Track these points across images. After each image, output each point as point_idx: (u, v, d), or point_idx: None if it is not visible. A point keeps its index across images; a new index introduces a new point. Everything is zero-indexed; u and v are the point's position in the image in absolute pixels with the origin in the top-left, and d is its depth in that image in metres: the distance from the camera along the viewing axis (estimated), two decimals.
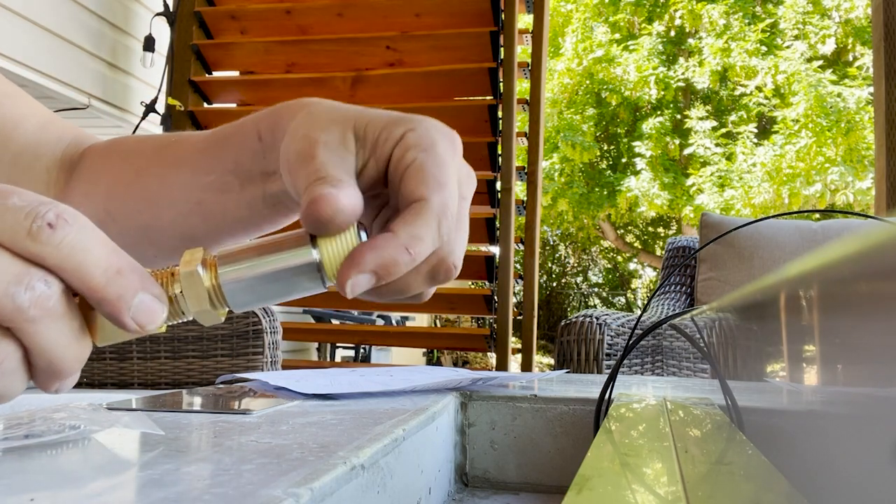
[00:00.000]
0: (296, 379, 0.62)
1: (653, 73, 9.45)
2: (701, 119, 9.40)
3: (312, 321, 4.42)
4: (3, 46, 2.27)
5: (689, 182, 9.19)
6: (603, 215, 10.20)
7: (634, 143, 9.61)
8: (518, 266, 2.73)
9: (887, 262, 0.17)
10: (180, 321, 0.31)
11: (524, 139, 2.68)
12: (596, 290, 13.58)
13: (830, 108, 8.33)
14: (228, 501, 0.24)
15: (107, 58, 2.76)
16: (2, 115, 0.51)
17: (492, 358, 2.51)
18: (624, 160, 10.04)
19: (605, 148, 10.53)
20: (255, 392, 0.58)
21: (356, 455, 0.32)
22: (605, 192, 9.78)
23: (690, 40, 9.80)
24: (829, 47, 9.06)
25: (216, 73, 2.77)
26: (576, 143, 9.47)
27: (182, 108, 2.61)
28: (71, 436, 0.35)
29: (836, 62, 9.15)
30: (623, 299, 13.16)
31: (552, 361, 5.11)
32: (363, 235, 0.33)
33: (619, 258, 13.04)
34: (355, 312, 4.80)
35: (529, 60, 2.71)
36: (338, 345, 4.99)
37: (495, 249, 2.50)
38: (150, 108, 2.65)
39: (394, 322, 5.81)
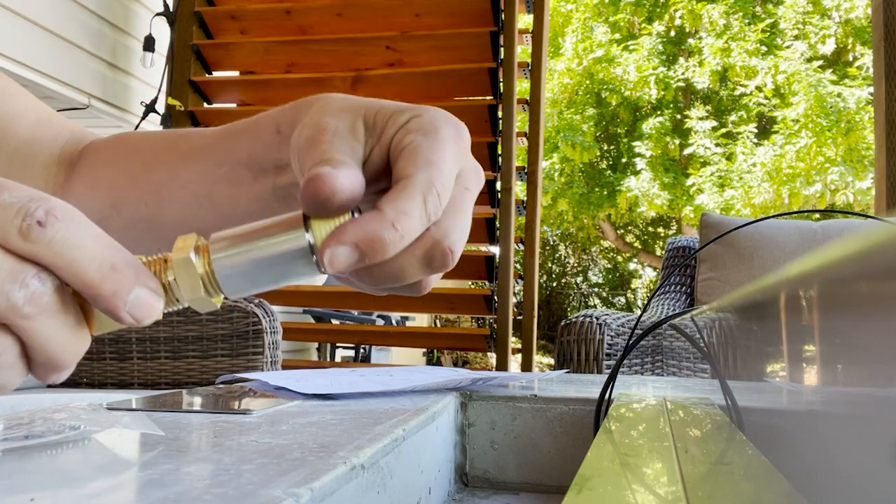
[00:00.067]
0: (296, 379, 0.62)
1: (653, 73, 9.45)
2: (701, 119, 9.40)
3: (312, 321, 4.42)
4: (3, 46, 2.27)
5: (689, 182, 9.19)
6: (603, 215, 10.20)
7: (634, 143, 9.61)
8: (518, 266, 2.73)
9: (887, 262, 0.17)
10: (176, 308, 0.31)
11: (524, 139, 2.68)
12: (596, 290, 13.58)
13: (830, 108, 8.33)
14: (228, 501, 0.24)
15: (107, 58, 2.76)
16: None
17: (492, 358, 2.51)
18: (624, 160, 10.04)
19: (605, 148, 10.53)
20: (255, 392, 0.58)
21: (356, 455, 0.32)
22: (605, 192, 9.78)
23: (690, 40, 9.80)
24: (829, 47, 9.06)
25: (216, 73, 2.77)
26: (576, 143, 9.46)
27: (182, 108, 2.61)
28: (71, 436, 0.35)
29: (836, 62, 9.15)
30: (623, 299, 13.16)
31: (552, 361, 5.11)
32: None
33: (619, 258, 13.04)
34: (355, 312, 4.80)
35: (529, 60, 2.71)
36: (338, 345, 4.99)
37: (495, 249, 2.50)
38: (150, 108, 2.65)
39: (394, 322, 5.81)
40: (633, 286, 13.27)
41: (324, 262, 0.30)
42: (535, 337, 2.67)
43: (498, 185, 2.45)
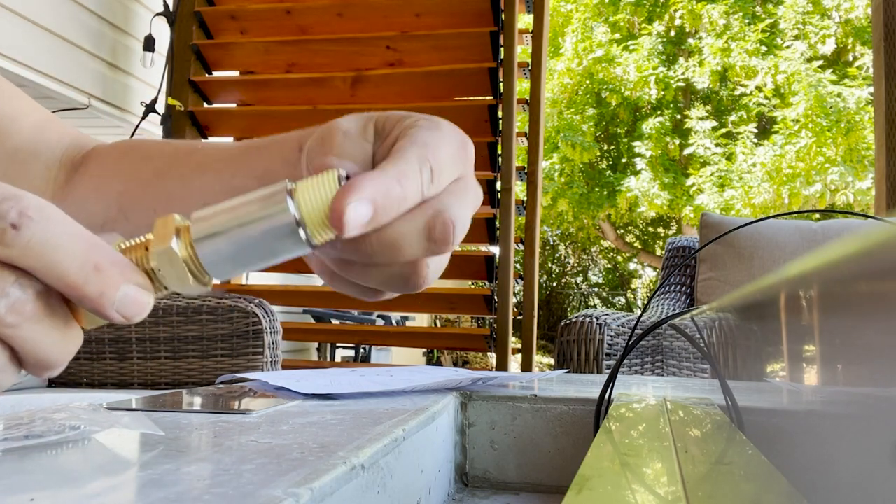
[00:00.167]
0: (296, 379, 0.62)
1: (653, 73, 9.45)
2: (701, 119, 9.40)
3: (312, 321, 4.42)
4: (3, 46, 2.27)
5: (689, 182, 9.19)
6: (603, 215, 10.20)
7: (634, 143, 9.61)
8: (518, 266, 2.73)
9: (887, 262, 0.17)
10: (163, 293, 0.30)
11: (524, 139, 2.68)
12: (596, 290, 13.58)
13: (830, 108, 8.33)
14: (228, 501, 0.24)
15: (107, 58, 2.76)
16: None
17: (492, 358, 2.51)
18: (624, 160, 10.04)
19: (605, 148, 10.53)
20: (255, 392, 0.58)
21: (356, 455, 0.32)
22: (605, 192, 9.78)
23: (690, 40, 9.80)
24: (829, 47, 9.06)
25: (216, 73, 2.77)
26: (576, 143, 9.46)
27: (182, 108, 2.61)
28: (71, 436, 0.35)
29: (836, 62, 9.15)
30: (623, 299, 13.16)
31: (552, 361, 5.11)
32: None
33: (619, 258, 13.04)
34: (355, 312, 4.80)
35: (529, 60, 2.71)
36: (338, 345, 4.99)
37: (495, 249, 2.50)
38: (150, 108, 2.65)
39: (394, 322, 5.82)
40: (633, 286, 13.27)
41: (345, 220, 0.28)
42: (535, 337, 2.67)
43: (498, 185, 2.45)
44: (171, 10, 2.71)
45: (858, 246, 0.18)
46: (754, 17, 9.43)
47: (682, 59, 9.84)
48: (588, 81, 9.93)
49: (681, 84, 9.69)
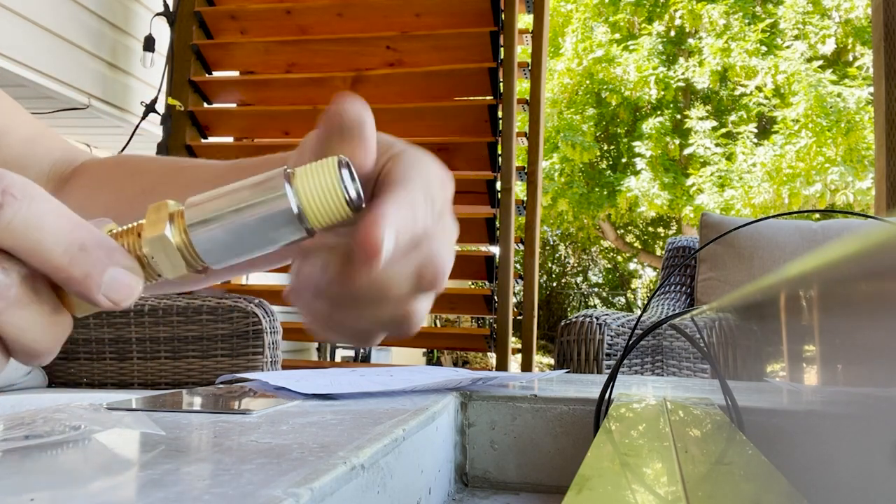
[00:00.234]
0: (296, 379, 0.62)
1: (653, 73, 9.45)
2: (701, 119, 9.40)
3: None
4: (3, 46, 2.27)
5: (689, 182, 9.19)
6: (603, 215, 10.21)
7: (634, 143, 9.62)
8: (518, 266, 2.73)
9: (887, 262, 0.17)
10: (156, 282, 0.29)
11: (524, 139, 2.68)
12: (596, 290, 13.58)
13: (830, 108, 8.34)
14: (228, 501, 0.24)
15: (107, 58, 2.76)
16: None
17: (492, 358, 2.51)
18: (624, 160, 10.04)
19: (605, 148, 10.53)
20: (255, 392, 0.58)
21: (356, 455, 0.32)
22: (605, 192, 9.78)
23: (690, 40, 9.80)
24: (829, 47, 9.06)
25: (216, 73, 2.77)
26: (576, 143, 9.47)
27: (182, 108, 2.61)
28: (71, 436, 0.35)
29: (836, 62, 9.15)
30: (623, 299, 13.16)
31: (552, 361, 5.11)
32: (345, 174, 0.29)
33: (619, 258, 13.04)
34: None
35: (529, 60, 2.71)
36: (338, 345, 4.99)
37: (495, 249, 2.50)
38: (150, 108, 2.65)
39: None
40: (633, 286, 13.28)
41: (379, 248, 0.27)
42: (535, 337, 2.67)
43: (498, 185, 2.45)
44: (171, 10, 2.71)
45: (858, 246, 0.19)
46: (754, 17, 9.43)
47: (682, 59, 9.84)
48: (588, 81, 9.93)
49: (681, 84, 9.69)
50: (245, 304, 1.67)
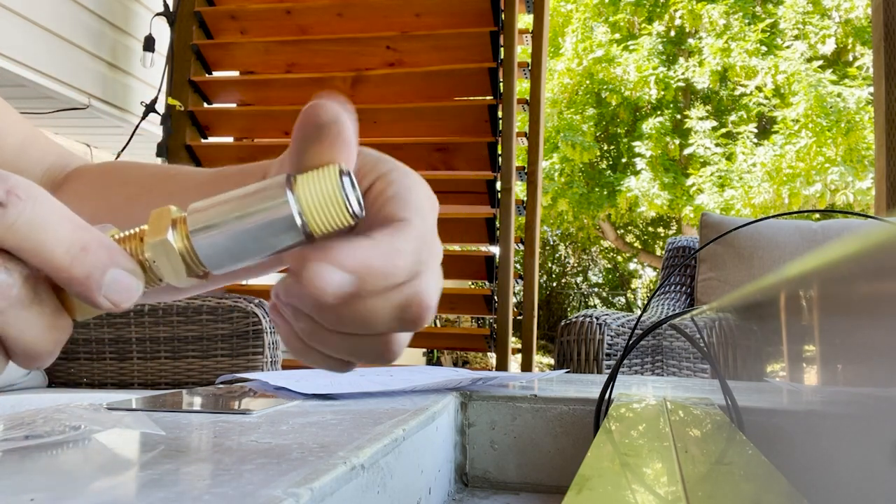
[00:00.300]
0: (296, 379, 0.62)
1: (653, 73, 9.45)
2: (701, 119, 9.40)
3: None
4: (3, 46, 2.27)
5: (689, 182, 9.19)
6: (603, 215, 10.20)
7: (634, 143, 9.61)
8: (518, 266, 2.73)
9: (887, 262, 0.17)
10: (157, 286, 0.29)
11: (524, 139, 2.68)
12: (596, 290, 13.58)
13: (830, 108, 8.33)
14: (228, 501, 0.24)
15: (107, 58, 2.76)
16: None
17: (492, 358, 2.51)
18: (624, 160, 10.04)
19: (605, 148, 10.53)
20: (255, 392, 0.58)
21: (356, 455, 0.32)
22: (605, 192, 9.78)
23: (690, 40, 9.80)
24: (829, 47, 9.06)
25: (216, 73, 2.77)
26: (576, 143, 9.46)
27: (182, 108, 2.61)
28: (71, 436, 0.35)
29: (836, 62, 9.15)
30: (623, 299, 13.16)
31: (552, 361, 5.11)
32: (346, 182, 0.29)
33: (619, 258, 13.04)
34: None
35: (529, 60, 2.71)
36: None
37: (495, 249, 2.50)
38: (150, 108, 2.65)
39: None
40: (633, 286, 13.27)
41: (320, 285, 0.27)
42: (535, 337, 2.67)
43: (498, 185, 2.45)
44: (171, 10, 2.71)
45: (858, 246, 0.19)
46: (754, 17, 9.43)
47: (682, 59, 9.84)
48: (588, 81, 9.92)
49: (681, 84, 9.69)
50: (245, 304, 1.67)
